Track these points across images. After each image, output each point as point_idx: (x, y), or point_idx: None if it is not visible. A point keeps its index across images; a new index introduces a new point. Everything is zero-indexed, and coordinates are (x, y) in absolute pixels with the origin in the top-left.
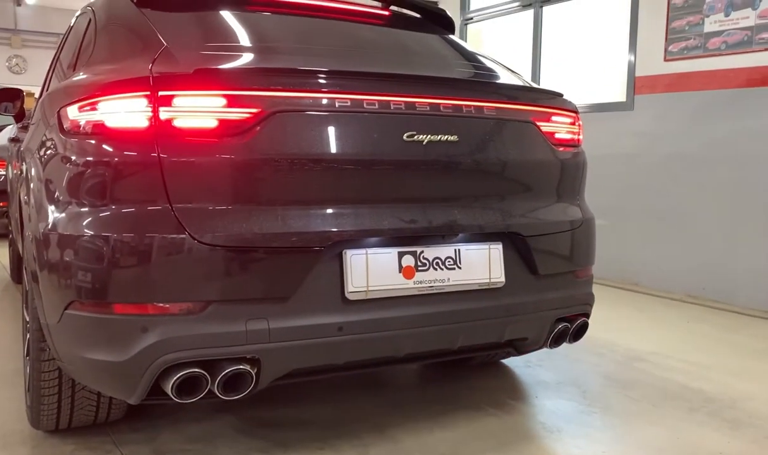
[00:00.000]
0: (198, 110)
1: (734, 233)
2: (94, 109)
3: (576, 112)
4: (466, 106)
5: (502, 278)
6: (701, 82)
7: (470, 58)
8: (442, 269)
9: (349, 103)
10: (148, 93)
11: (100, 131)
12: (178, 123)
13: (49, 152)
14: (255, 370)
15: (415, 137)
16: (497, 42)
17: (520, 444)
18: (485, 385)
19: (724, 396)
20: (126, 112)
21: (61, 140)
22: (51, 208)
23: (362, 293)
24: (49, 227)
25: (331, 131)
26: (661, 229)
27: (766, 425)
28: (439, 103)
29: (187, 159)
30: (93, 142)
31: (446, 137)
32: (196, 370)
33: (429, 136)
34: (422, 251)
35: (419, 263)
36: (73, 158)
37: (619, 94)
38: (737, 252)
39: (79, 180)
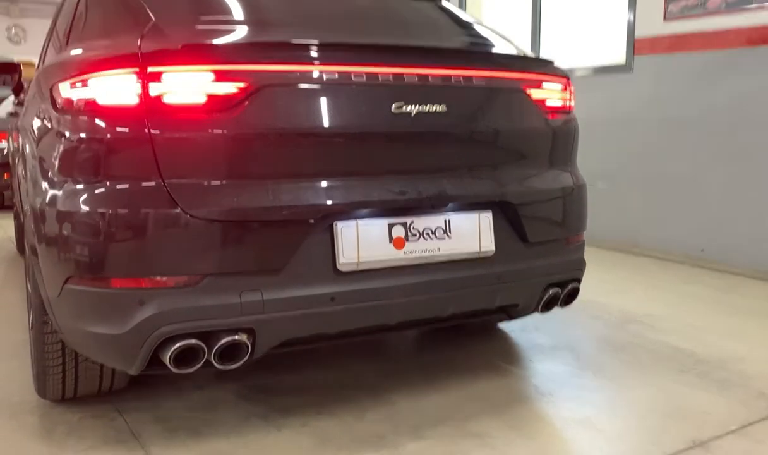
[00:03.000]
0: (187, 86)
1: (733, 194)
2: (85, 85)
3: (567, 78)
4: (455, 75)
5: (492, 247)
6: (701, 42)
7: (462, 25)
8: (432, 238)
9: (336, 76)
10: (137, 69)
11: (91, 107)
12: (168, 99)
13: (43, 127)
14: (250, 340)
15: (404, 108)
16: (497, 6)
17: (512, 407)
18: (481, 349)
19: (714, 357)
20: (116, 88)
21: (54, 116)
22: (46, 184)
23: (353, 265)
24: (46, 202)
25: (319, 103)
26: (661, 191)
27: (755, 385)
28: (428, 74)
29: (178, 135)
30: (85, 119)
31: (435, 107)
32: (193, 341)
33: (418, 107)
34: (412, 222)
35: (409, 234)
36: (67, 134)
37: (618, 57)
38: (736, 214)
39: (73, 156)
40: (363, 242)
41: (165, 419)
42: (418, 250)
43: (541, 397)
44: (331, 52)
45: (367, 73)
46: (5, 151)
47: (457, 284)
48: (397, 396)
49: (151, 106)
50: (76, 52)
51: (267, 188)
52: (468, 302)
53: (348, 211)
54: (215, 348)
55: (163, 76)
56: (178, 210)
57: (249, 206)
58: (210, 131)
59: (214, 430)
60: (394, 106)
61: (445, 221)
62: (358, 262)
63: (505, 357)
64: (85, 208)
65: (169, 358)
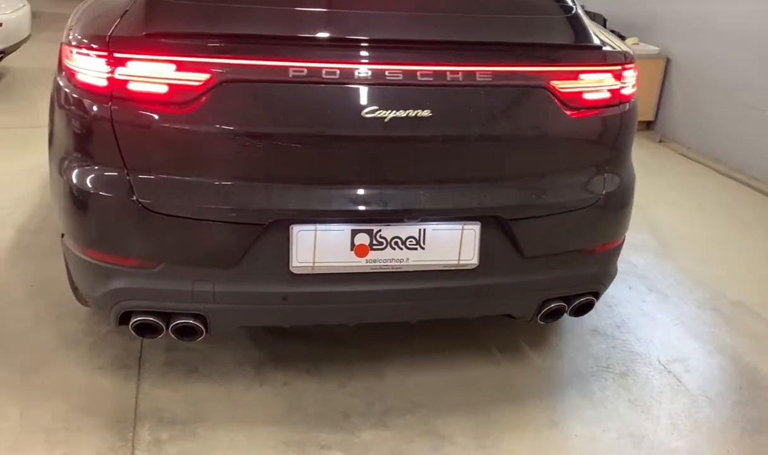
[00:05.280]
0: (148, 75)
1: None
2: (69, 58)
3: (621, 64)
4: (451, 73)
5: (475, 260)
6: None
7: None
8: (401, 248)
9: (303, 73)
10: (105, 54)
11: (75, 81)
12: (132, 87)
13: (56, 82)
14: (203, 324)
15: (377, 113)
16: None
17: (490, 406)
18: (497, 333)
19: None
20: (90, 68)
21: (57, 74)
22: (52, 144)
23: (308, 268)
24: (51, 160)
25: (282, 102)
26: None
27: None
28: (416, 71)
29: (138, 124)
30: (71, 90)
31: (417, 112)
32: (151, 319)
33: (394, 112)
34: (379, 230)
35: (375, 242)
36: (58, 97)
37: None
38: None
39: (64, 123)
40: (320, 247)
41: (173, 348)
42: (382, 259)
43: (539, 401)
44: (296, 46)
45: (339, 71)
46: None
47: (428, 294)
48: (389, 369)
49: (117, 91)
50: (80, 16)
51: (220, 188)
52: (440, 311)
53: (304, 218)
54: (171, 327)
55: (129, 63)
56: (135, 199)
57: (201, 205)
58: (168, 123)
59: (207, 371)
60: (365, 110)
61: (420, 230)
62: (314, 266)
63: (515, 341)
64: (67, 177)
65: (132, 327)
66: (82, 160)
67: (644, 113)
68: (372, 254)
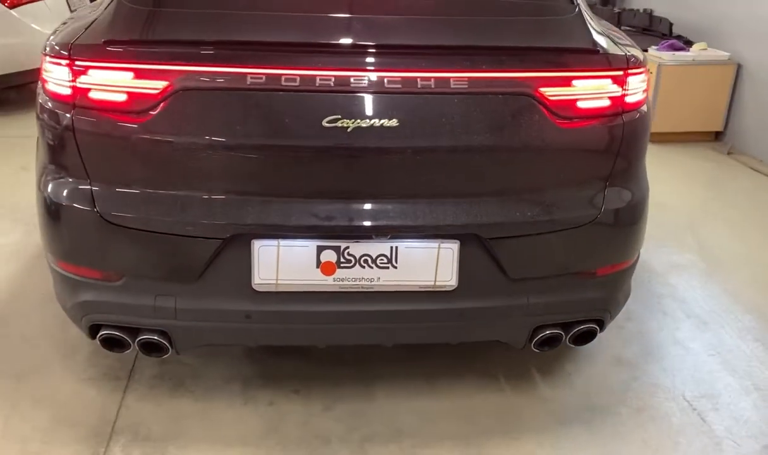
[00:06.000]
0: (108, 83)
1: None
2: (43, 67)
3: (624, 69)
4: (422, 79)
5: (453, 282)
6: None
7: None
8: (371, 267)
9: (263, 79)
10: (68, 62)
11: (46, 91)
12: (92, 95)
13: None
14: (168, 341)
15: (339, 122)
16: None
17: (494, 438)
18: (507, 358)
19: None
20: (56, 77)
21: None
22: (36, 157)
23: (271, 286)
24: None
25: (239, 111)
26: None
27: None
28: (384, 78)
29: (98, 133)
30: (43, 100)
31: (383, 121)
32: (116, 333)
33: (357, 121)
34: (347, 247)
35: (342, 260)
36: (36, 109)
37: None
38: None
39: (40, 134)
40: (284, 264)
41: (167, 361)
42: (351, 278)
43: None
44: (254, 51)
45: (299, 78)
46: None
47: (402, 317)
48: (382, 393)
49: (79, 100)
50: (63, 26)
51: (177, 201)
52: (417, 336)
53: (265, 232)
54: (137, 341)
55: (90, 71)
56: (96, 211)
57: (158, 218)
58: (127, 133)
59: (193, 386)
60: (326, 119)
61: (391, 248)
62: (277, 284)
63: (524, 371)
64: (40, 188)
65: (99, 340)
66: (53, 171)
67: (712, 123)
68: (340, 273)
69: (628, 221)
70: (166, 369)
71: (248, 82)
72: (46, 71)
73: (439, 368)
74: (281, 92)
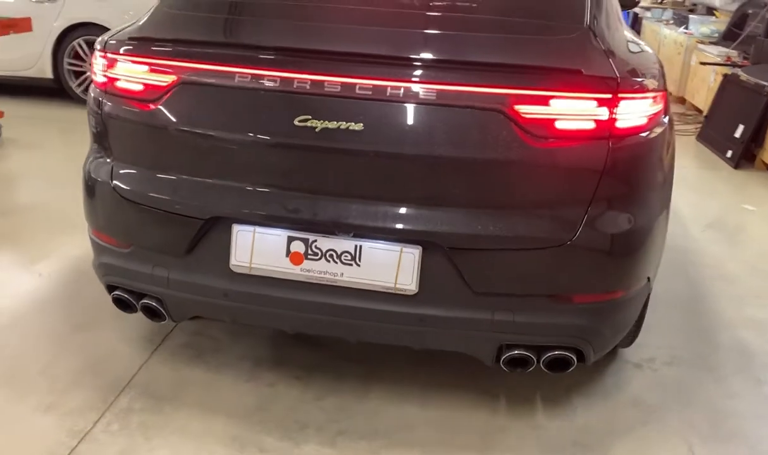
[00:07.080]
0: (130, 75)
1: None
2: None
3: (613, 92)
4: (393, 87)
5: (413, 287)
6: None
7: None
8: (336, 262)
9: (248, 79)
10: (104, 55)
11: (93, 80)
12: (118, 84)
13: None
14: (163, 308)
15: (309, 122)
16: None
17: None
18: (516, 381)
19: None
20: (98, 69)
21: None
22: None
23: (245, 268)
24: None
25: (226, 106)
26: None
27: None
28: (355, 84)
29: (120, 117)
30: (92, 87)
31: (348, 124)
32: (123, 294)
33: (325, 122)
34: (315, 240)
35: (310, 252)
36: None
37: None
38: None
39: (87, 114)
40: (257, 249)
41: (199, 332)
42: (317, 271)
43: None
44: (237, 52)
45: (279, 79)
46: None
47: (362, 314)
48: (376, 393)
49: (108, 89)
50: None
51: (171, 182)
52: (379, 335)
53: (242, 217)
54: (139, 304)
55: (117, 63)
56: (113, 185)
57: (155, 195)
58: (135, 120)
59: (211, 359)
60: (297, 119)
61: (356, 246)
62: (251, 267)
63: (524, 397)
64: (86, 164)
65: (112, 299)
66: (92, 151)
67: None
68: (307, 264)
69: (618, 249)
70: (194, 340)
71: (235, 81)
72: (93, 62)
73: (442, 378)
74: (262, 92)
